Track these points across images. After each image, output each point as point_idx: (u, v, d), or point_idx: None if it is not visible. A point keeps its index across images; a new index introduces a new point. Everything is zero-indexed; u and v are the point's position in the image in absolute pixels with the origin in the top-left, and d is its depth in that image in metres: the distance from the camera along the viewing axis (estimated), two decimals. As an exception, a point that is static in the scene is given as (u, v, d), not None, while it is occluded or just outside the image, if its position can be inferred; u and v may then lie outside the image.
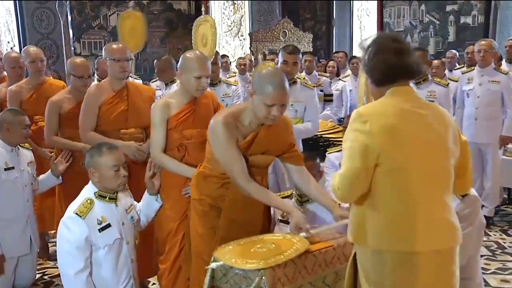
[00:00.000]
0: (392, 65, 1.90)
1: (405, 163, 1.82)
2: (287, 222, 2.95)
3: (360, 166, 1.82)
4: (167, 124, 2.79)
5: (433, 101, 4.28)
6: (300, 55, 4.09)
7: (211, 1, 10.67)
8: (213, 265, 2.22)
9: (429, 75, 4.52)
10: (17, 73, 4.27)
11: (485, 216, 4.74)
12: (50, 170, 3.53)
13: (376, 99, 1.97)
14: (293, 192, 3.07)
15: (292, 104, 3.96)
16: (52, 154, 3.73)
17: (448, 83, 4.57)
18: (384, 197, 1.84)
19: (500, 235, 4.61)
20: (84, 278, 2.49)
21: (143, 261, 2.97)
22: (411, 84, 4.55)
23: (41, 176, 3.54)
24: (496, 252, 4.18)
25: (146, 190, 2.91)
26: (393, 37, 1.98)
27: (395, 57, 1.89)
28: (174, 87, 4.84)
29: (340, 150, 3.59)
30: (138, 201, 2.93)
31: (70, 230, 2.50)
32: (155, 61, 5.24)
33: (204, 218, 2.55)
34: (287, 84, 2.39)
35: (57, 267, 3.88)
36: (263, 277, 2.06)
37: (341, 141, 3.39)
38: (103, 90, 3.34)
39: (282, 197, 3.11)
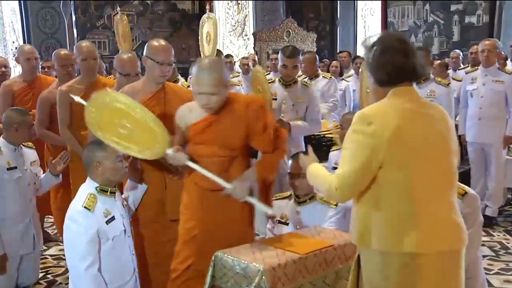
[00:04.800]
0: (399, 66, 1.88)
1: (409, 163, 1.82)
2: (285, 224, 2.96)
3: (363, 168, 1.82)
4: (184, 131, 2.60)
5: (432, 101, 4.27)
6: (300, 56, 4.07)
7: (215, 1, 10.67)
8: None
9: (431, 75, 4.50)
10: (67, 72, 3.86)
11: (488, 216, 4.79)
12: (48, 170, 3.50)
13: (377, 98, 1.95)
14: (291, 193, 3.08)
15: (293, 104, 3.95)
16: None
17: (449, 83, 4.54)
18: (389, 198, 1.83)
19: (504, 235, 4.59)
20: (94, 272, 2.51)
21: None
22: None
23: (41, 176, 3.55)
24: (500, 253, 4.16)
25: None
26: (399, 37, 1.96)
27: (402, 58, 1.88)
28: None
29: (340, 149, 3.58)
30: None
31: (80, 224, 2.52)
32: None
33: None
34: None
35: (60, 266, 3.94)
36: (263, 277, 2.07)
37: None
38: (137, 91, 2.96)
39: (281, 198, 3.13)
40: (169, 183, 2.94)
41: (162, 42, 3.00)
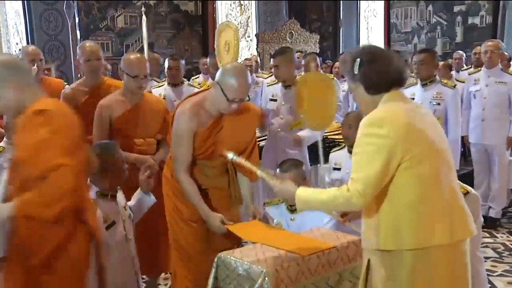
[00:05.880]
0: (394, 72, 1.95)
1: (423, 158, 1.86)
2: None
3: (384, 170, 1.84)
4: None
5: (439, 103, 4.24)
6: (286, 56, 3.88)
7: (218, 2, 10.68)
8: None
9: (437, 76, 4.47)
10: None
11: (492, 218, 4.78)
12: None
13: (366, 107, 2.00)
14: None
15: (290, 106, 3.91)
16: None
17: (455, 85, 4.51)
18: (410, 195, 1.85)
19: (508, 237, 4.58)
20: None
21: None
22: (419, 85, 4.57)
23: None
24: (503, 254, 4.15)
25: (139, 188, 2.85)
26: (381, 47, 2.06)
27: (395, 65, 1.95)
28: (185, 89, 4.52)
29: (341, 149, 3.55)
30: None
31: None
32: (166, 60, 4.76)
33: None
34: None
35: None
36: (266, 278, 2.06)
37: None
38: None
39: (274, 205, 3.08)
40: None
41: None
